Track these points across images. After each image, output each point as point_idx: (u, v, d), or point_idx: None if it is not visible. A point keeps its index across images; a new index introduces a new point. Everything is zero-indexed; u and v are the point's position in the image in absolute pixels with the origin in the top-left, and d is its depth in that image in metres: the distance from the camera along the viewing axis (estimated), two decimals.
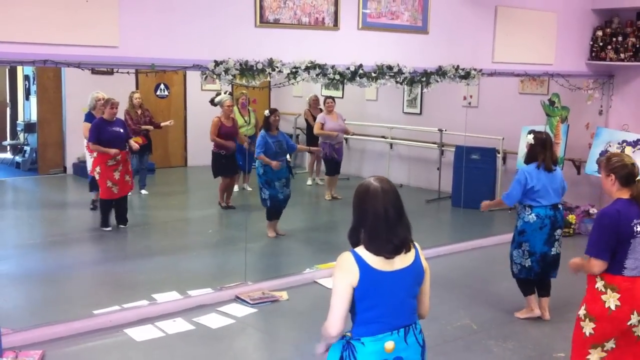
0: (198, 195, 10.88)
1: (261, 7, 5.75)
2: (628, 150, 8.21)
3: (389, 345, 2.81)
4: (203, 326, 5.43)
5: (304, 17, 6.04)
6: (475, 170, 9.54)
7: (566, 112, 8.62)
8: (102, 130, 7.74)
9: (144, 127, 9.63)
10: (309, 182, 11.13)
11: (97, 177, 7.95)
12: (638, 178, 3.74)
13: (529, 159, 5.53)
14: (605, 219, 3.71)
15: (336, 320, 2.77)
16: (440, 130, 10.13)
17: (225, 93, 9.40)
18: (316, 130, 9.83)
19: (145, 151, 9.75)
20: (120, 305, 5.63)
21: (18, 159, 12.35)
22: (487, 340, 5.29)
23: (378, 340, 2.80)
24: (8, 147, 12.99)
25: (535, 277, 5.61)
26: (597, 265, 3.73)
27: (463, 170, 9.34)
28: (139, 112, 9.59)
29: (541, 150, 5.44)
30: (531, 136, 5.51)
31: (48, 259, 7.10)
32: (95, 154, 7.92)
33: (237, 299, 5.98)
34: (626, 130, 8.47)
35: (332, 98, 10.07)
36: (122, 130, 7.92)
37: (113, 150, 7.74)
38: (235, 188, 10.16)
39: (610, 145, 8.37)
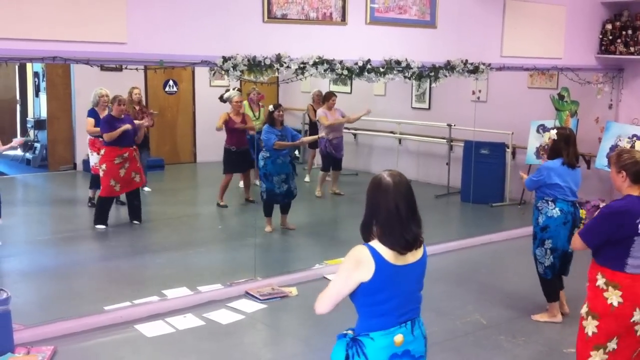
0: (207, 191, 10.86)
1: (269, 2, 5.75)
2: (638, 144, 8.16)
3: (398, 338, 2.80)
4: (213, 322, 5.45)
5: (312, 12, 6.03)
6: (484, 165, 9.51)
7: (575, 106, 8.58)
8: (112, 126, 7.77)
9: (152, 112, 9.68)
10: (307, 178, 11.00)
11: (101, 174, 7.91)
12: None
13: (552, 155, 5.45)
14: (608, 208, 3.76)
15: (329, 303, 2.82)
16: (449, 125, 10.11)
17: (234, 89, 9.40)
18: (326, 122, 9.58)
19: (143, 148, 9.74)
20: (131, 301, 5.66)
21: (28, 155, 12.40)
22: (497, 335, 5.28)
23: (388, 334, 2.79)
24: None
25: (557, 274, 5.53)
26: (579, 244, 3.85)
27: (472, 165, 9.32)
28: (137, 107, 9.57)
29: (564, 146, 5.37)
30: (554, 131, 5.45)
31: (59, 255, 7.13)
32: (103, 151, 7.90)
33: (247, 294, 5.99)
34: (636, 124, 8.42)
35: (335, 95, 9.93)
36: (130, 127, 7.93)
37: (125, 126, 7.74)
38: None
39: (620, 140, 8.32)
